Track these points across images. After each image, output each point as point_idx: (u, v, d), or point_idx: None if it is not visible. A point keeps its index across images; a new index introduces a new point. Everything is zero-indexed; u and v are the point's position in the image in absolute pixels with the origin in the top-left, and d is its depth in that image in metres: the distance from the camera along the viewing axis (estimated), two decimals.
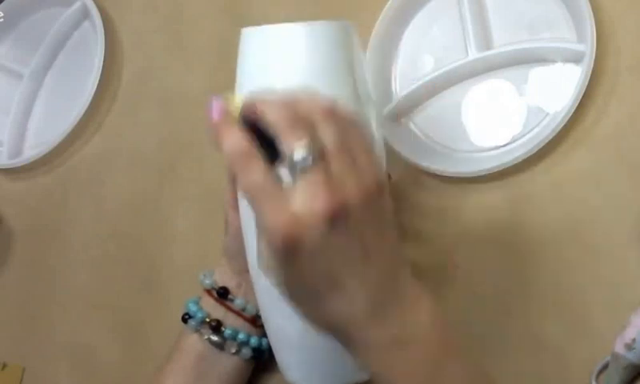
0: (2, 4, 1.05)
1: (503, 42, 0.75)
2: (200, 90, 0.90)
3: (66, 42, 1.02)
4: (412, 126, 0.78)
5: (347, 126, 0.48)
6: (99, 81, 0.93)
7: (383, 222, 0.48)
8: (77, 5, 1.00)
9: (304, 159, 0.45)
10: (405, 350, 0.47)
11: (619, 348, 0.61)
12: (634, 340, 0.60)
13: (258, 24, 0.91)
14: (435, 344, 0.49)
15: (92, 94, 0.92)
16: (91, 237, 0.91)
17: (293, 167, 0.46)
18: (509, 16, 0.76)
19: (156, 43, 0.96)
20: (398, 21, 0.81)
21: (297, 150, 0.45)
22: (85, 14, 1.00)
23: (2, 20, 1.05)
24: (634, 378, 0.61)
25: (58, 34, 1.01)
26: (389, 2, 0.80)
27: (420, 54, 0.80)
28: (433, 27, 0.80)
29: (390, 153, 0.76)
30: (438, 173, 0.73)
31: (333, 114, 0.47)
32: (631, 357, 0.60)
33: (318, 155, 0.46)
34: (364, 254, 0.46)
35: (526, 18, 0.75)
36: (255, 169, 0.45)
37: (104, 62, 0.94)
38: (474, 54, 0.75)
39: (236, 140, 0.46)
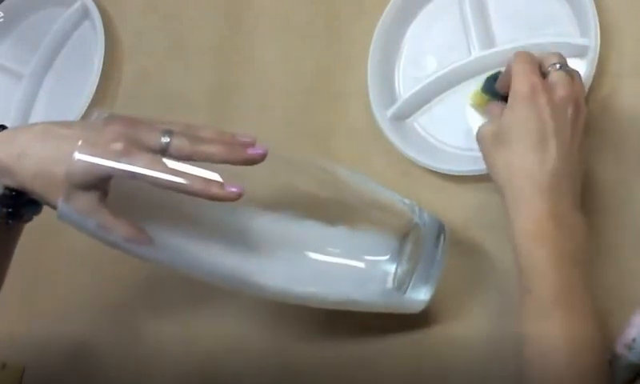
0: (2, 4, 1.05)
1: (505, 39, 0.75)
2: (200, 89, 0.90)
3: (65, 42, 1.02)
4: (416, 126, 0.78)
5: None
6: (99, 81, 0.93)
7: (579, 131, 0.61)
8: (77, 5, 1.00)
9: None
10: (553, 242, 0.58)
11: (619, 348, 0.61)
12: (634, 340, 0.60)
13: (257, 22, 0.91)
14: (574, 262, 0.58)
15: (92, 93, 0.92)
16: None
17: None
18: (510, 13, 0.76)
19: (156, 43, 0.95)
20: (399, 21, 0.81)
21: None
22: (85, 14, 1.00)
23: (2, 20, 1.05)
24: (634, 378, 0.61)
25: (57, 33, 1.01)
26: (390, 3, 0.80)
27: (423, 54, 0.80)
28: (434, 27, 0.80)
29: (396, 153, 0.76)
30: (444, 172, 0.73)
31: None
32: (631, 357, 0.60)
33: None
34: (571, 136, 0.60)
35: (528, 15, 0.75)
36: None
37: (104, 62, 0.94)
38: (476, 52, 0.75)
39: None
